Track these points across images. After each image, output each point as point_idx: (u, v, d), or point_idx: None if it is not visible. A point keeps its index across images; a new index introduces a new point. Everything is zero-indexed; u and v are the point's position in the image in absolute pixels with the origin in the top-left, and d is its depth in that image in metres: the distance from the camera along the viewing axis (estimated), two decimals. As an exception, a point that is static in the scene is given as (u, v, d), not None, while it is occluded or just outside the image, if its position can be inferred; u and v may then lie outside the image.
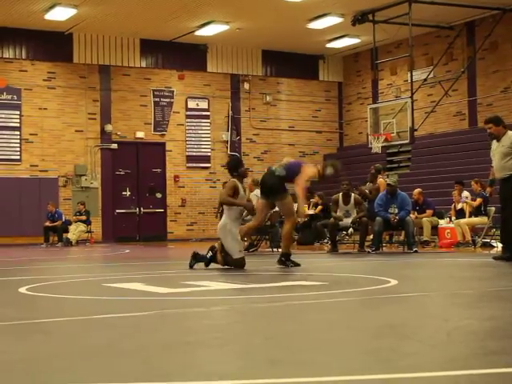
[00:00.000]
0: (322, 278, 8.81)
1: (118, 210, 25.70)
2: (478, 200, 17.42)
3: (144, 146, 26.15)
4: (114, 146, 25.61)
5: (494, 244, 16.83)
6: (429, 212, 17.93)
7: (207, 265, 10.48)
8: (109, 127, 25.47)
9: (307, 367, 3.62)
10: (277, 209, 12.18)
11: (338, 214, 15.69)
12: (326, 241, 19.21)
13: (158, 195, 26.28)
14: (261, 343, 4.41)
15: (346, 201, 15.84)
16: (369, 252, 15.02)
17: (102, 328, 5.17)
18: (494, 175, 11.18)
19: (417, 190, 18.05)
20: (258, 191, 16.31)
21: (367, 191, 17.38)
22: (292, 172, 10.60)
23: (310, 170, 10.81)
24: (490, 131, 11.10)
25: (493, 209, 17.48)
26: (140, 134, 26.02)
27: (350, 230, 16.05)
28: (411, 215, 16.38)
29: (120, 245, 22.57)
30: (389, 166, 25.03)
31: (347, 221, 15.67)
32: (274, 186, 10.59)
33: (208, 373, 3.54)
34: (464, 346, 4.27)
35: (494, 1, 21.95)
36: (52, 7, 22.05)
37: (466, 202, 17.64)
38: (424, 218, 17.74)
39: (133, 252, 18.03)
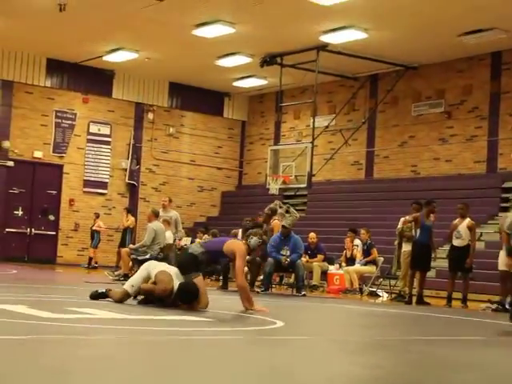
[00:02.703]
0: (209, 314, 8.81)
1: (8, 229, 25.11)
2: (374, 252, 17.86)
3: (41, 167, 25.68)
4: (11, 163, 25.08)
5: (380, 293, 17.20)
6: (320, 257, 18.19)
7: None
8: (6, 144, 24.94)
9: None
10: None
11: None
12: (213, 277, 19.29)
13: (51, 217, 25.80)
14: (138, 376, 4.38)
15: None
16: (258, 292, 15.09)
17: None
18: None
19: (312, 234, 18.30)
20: (156, 223, 16.22)
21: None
22: (213, 249, 9.53)
23: (241, 246, 9.59)
24: None
25: (381, 259, 17.89)
26: (38, 154, 25.56)
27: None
28: (303, 258, 16.59)
29: (7, 265, 22.00)
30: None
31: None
32: (184, 263, 9.46)
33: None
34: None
35: (398, 57, 22.64)
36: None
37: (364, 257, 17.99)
38: (315, 263, 17.98)
39: (20, 273, 17.62)
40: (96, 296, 9.72)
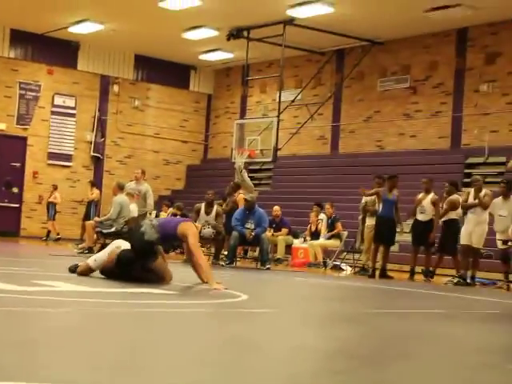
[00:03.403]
0: (173, 287, 8.84)
1: (-30, 202, 24.90)
2: (338, 226, 17.96)
3: (4, 139, 25.41)
4: (-27, 135, 24.83)
5: (344, 267, 17.33)
6: (284, 230, 18.27)
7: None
8: (-31, 115, 24.67)
9: (142, 376, 3.60)
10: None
11: (197, 223, 15.71)
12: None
13: (15, 190, 25.58)
14: (100, 348, 4.40)
15: (208, 211, 15.86)
16: (222, 265, 15.14)
17: None
18: None
19: (277, 208, 18.36)
20: (121, 196, 16.07)
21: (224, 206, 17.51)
22: (166, 233, 9.25)
23: (194, 228, 9.42)
24: None
25: (345, 233, 18.00)
26: (1, 126, 25.29)
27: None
28: (267, 232, 16.65)
29: (-31, 237, 21.86)
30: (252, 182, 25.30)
31: (208, 231, 15.56)
32: (141, 250, 9.20)
33: (41, 375, 3.48)
34: (309, 363, 4.35)
35: (364, 32, 22.66)
36: None
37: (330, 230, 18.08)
38: (279, 237, 18.06)
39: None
40: (75, 269, 9.71)
